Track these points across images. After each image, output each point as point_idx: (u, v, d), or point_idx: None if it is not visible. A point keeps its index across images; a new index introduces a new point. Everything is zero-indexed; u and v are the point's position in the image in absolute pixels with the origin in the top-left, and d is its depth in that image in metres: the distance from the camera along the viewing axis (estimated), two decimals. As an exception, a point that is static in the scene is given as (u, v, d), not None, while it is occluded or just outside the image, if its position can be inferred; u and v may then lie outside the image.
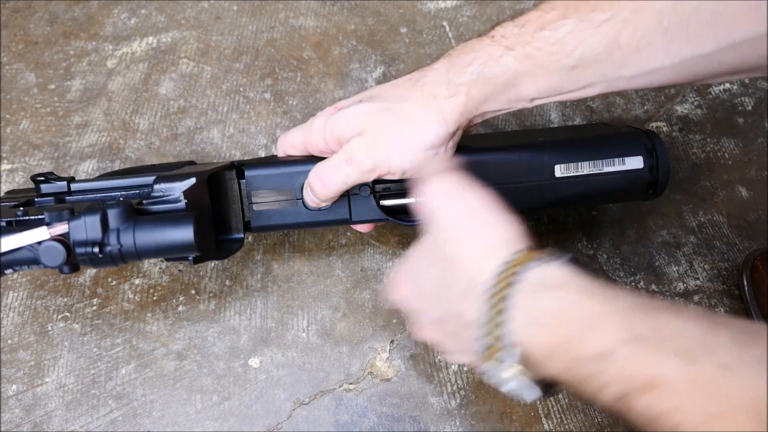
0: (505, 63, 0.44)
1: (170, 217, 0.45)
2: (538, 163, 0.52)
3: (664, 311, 0.30)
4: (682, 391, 0.27)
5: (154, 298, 0.62)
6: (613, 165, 0.53)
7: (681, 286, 0.64)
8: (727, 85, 0.74)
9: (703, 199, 0.68)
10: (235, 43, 0.76)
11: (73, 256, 0.44)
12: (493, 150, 0.53)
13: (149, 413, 0.58)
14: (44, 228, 0.44)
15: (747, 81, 0.74)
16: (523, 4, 0.79)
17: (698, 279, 0.64)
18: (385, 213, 0.53)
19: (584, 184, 0.53)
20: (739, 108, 0.73)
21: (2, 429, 0.57)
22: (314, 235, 0.65)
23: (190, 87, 0.73)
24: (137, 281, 0.63)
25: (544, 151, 0.53)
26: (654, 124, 0.72)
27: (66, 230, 0.44)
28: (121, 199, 0.49)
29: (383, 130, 0.47)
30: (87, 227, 0.44)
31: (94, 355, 0.60)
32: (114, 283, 0.63)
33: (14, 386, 0.59)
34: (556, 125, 0.72)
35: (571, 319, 0.31)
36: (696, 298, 0.64)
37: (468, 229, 0.38)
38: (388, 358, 0.60)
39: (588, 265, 0.65)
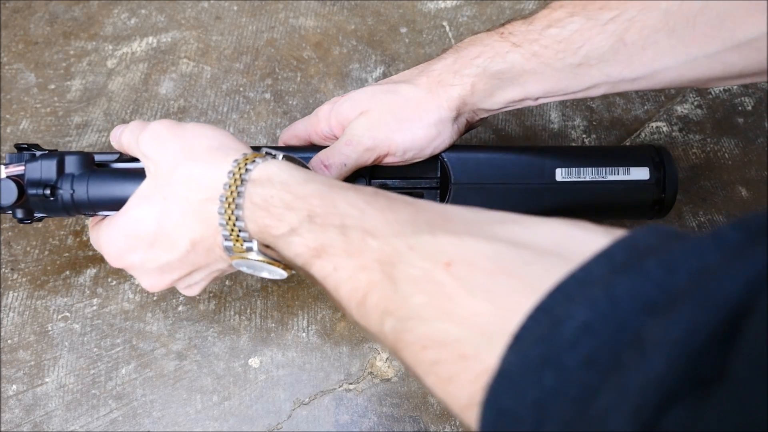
0: (511, 60, 0.44)
1: (127, 171, 0.46)
2: (538, 164, 0.51)
3: (337, 193, 0.35)
4: (339, 255, 0.33)
5: (154, 298, 0.62)
6: (617, 174, 0.51)
7: (681, 286, 0.64)
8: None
9: (703, 199, 0.68)
10: (235, 43, 0.76)
11: (26, 198, 0.45)
12: (492, 149, 0.53)
13: (149, 413, 0.58)
14: (1, 167, 0.45)
15: (747, 81, 0.74)
16: (523, 4, 0.79)
17: (698, 279, 0.64)
18: None
19: (586, 192, 0.51)
20: (739, 108, 0.73)
21: (2, 429, 0.57)
22: (314, 235, 0.65)
23: (190, 87, 0.73)
24: (138, 281, 0.63)
25: (546, 154, 0.52)
26: (654, 124, 0.72)
27: (22, 171, 0.45)
28: None
29: (385, 109, 0.48)
30: (42, 169, 0.45)
31: (94, 355, 0.60)
32: (114, 283, 0.63)
33: (14, 386, 0.59)
34: (556, 125, 0.72)
35: (271, 208, 0.37)
36: (696, 298, 0.63)
37: (193, 150, 0.41)
38: (388, 358, 0.60)
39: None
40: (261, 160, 0.39)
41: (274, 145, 0.58)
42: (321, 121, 0.52)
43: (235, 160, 0.39)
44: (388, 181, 0.53)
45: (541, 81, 0.45)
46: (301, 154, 0.52)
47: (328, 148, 0.50)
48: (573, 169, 0.51)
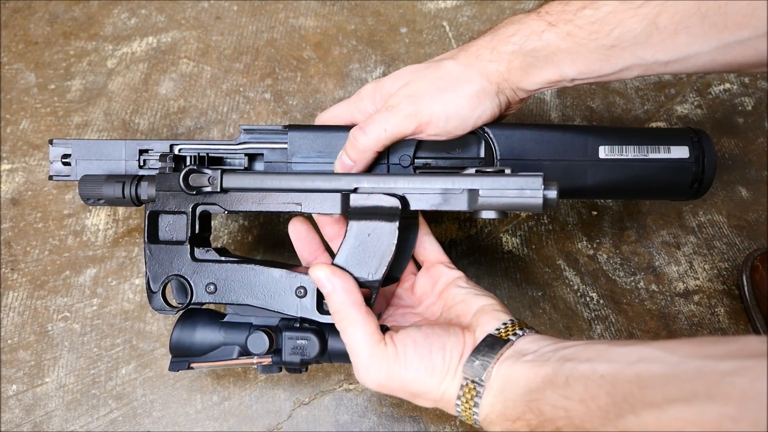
0: (546, 38, 0.45)
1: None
2: (582, 142, 0.52)
3: (537, 398, 0.36)
4: None
5: (154, 298, 0.62)
6: (659, 152, 0.52)
7: (681, 286, 0.64)
8: (727, 85, 0.74)
9: (703, 199, 0.68)
10: (235, 43, 0.76)
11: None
12: (536, 126, 0.53)
13: (149, 413, 0.58)
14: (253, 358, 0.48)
15: (747, 81, 0.74)
16: (523, 4, 0.79)
17: (698, 279, 0.64)
18: None
19: (628, 169, 0.52)
20: (739, 108, 0.73)
21: (2, 429, 0.57)
22: (314, 235, 0.66)
23: (190, 87, 0.73)
24: (137, 281, 0.63)
25: (590, 132, 0.53)
26: (654, 124, 0.72)
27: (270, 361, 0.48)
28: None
29: (426, 80, 0.48)
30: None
31: (94, 355, 0.60)
32: (114, 283, 0.63)
33: (14, 386, 0.59)
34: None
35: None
36: (696, 298, 0.64)
37: (418, 386, 0.42)
38: (388, 358, 0.60)
39: (588, 265, 0.65)
40: (481, 389, 0.39)
41: (308, 124, 0.57)
42: (364, 98, 0.52)
43: (458, 401, 0.41)
44: (431, 161, 0.53)
45: (575, 61, 0.45)
46: (340, 131, 0.52)
47: (368, 117, 0.50)
48: (616, 147, 0.52)
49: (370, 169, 0.52)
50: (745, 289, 0.62)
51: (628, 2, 0.42)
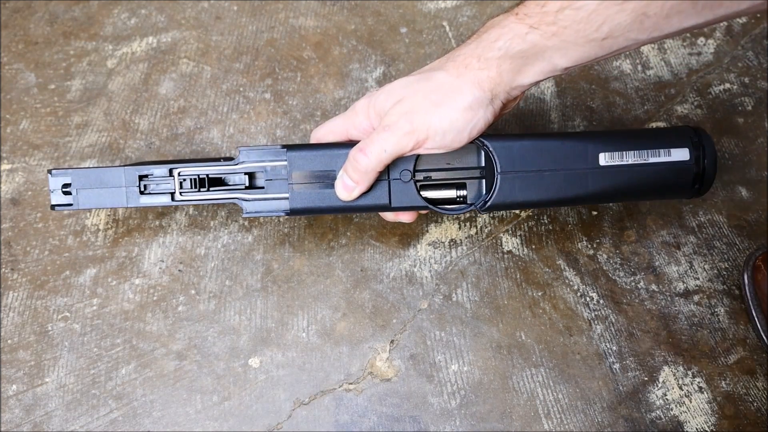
0: (531, 40, 0.45)
1: None
2: (582, 149, 0.52)
3: None
4: None
5: (154, 298, 0.62)
6: (659, 156, 0.52)
7: (681, 286, 0.64)
8: (727, 85, 0.74)
9: (703, 199, 0.68)
10: (235, 43, 0.76)
11: None
12: (535, 136, 0.53)
13: (149, 413, 0.58)
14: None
15: (747, 81, 0.74)
16: (523, 4, 0.79)
17: (698, 279, 0.64)
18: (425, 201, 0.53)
19: (629, 174, 0.52)
20: (739, 108, 0.73)
21: (2, 429, 0.57)
22: (314, 235, 0.65)
23: (190, 87, 0.73)
24: (137, 281, 0.63)
25: (589, 139, 0.52)
26: (654, 124, 0.72)
27: None
28: None
29: (420, 95, 0.48)
30: None
31: (94, 355, 0.60)
32: (114, 283, 0.63)
33: (14, 386, 0.59)
34: (556, 126, 0.72)
35: None
36: (696, 298, 0.64)
37: None
38: (388, 358, 0.60)
39: (588, 264, 0.65)
40: None
41: (306, 143, 0.58)
42: (359, 113, 0.52)
43: None
44: (432, 173, 0.53)
45: (567, 54, 0.45)
46: (338, 150, 0.52)
47: (366, 138, 0.50)
48: (616, 153, 0.52)
49: (372, 187, 0.52)
50: (746, 288, 0.62)
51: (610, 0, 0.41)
